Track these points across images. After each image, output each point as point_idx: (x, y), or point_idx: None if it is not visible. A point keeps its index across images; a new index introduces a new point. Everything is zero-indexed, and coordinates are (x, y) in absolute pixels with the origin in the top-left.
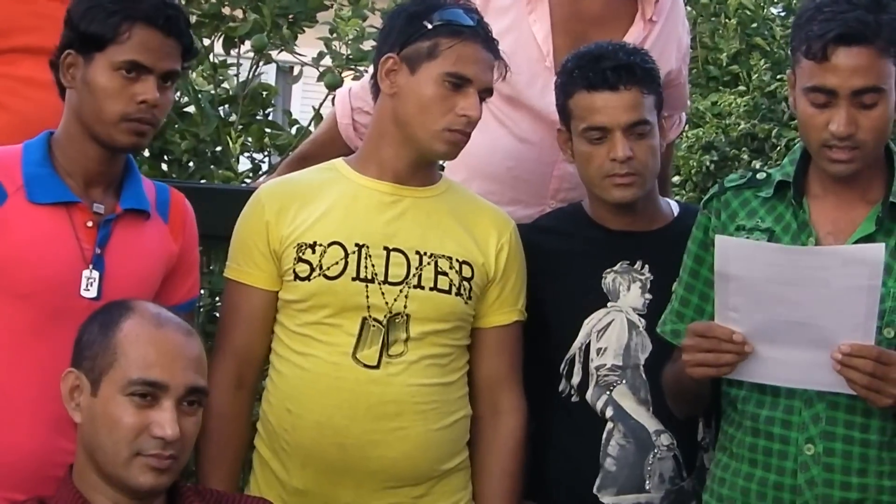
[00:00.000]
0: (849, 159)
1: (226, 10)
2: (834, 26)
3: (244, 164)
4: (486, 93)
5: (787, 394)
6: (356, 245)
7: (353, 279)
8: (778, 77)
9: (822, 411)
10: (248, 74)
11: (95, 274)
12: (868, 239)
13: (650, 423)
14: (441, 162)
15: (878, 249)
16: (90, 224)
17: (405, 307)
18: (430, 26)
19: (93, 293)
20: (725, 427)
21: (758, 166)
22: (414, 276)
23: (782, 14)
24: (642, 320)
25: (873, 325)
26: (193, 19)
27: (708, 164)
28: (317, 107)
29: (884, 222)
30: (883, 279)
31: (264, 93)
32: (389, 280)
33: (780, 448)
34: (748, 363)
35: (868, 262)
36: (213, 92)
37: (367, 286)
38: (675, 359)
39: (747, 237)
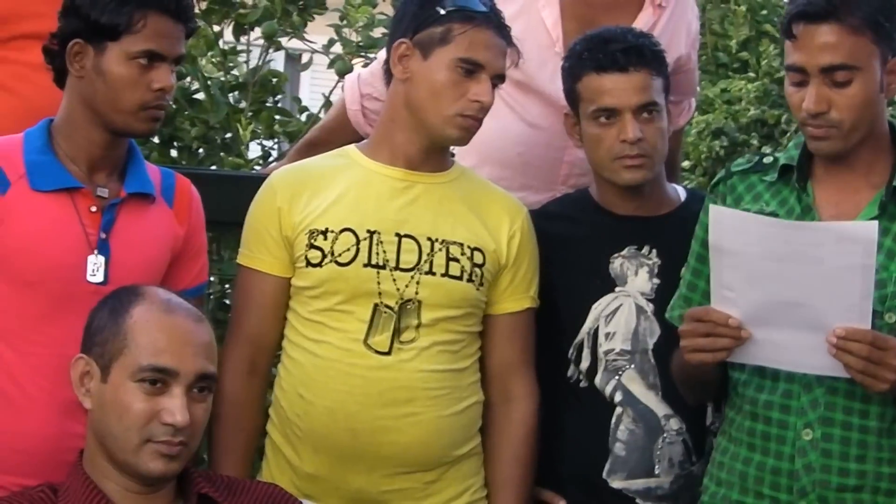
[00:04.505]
0: (825, 137)
1: None
2: (800, 4)
3: (254, 151)
4: (498, 79)
5: (786, 378)
6: (368, 231)
7: (365, 265)
8: None
9: (821, 396)
10: (258, 61)
11: (101, 259)
12: None
13: (659, 408)
14: (451, 148)
15: (871, 227)
16: (94, 209)
17: (416, 293)
18: (442, 12)
19: (99, 278)
20: (727, 410)
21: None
22: (425, 262)
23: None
24: (650, 305)
25: (869, 306)
26: (204, 5)
27: (717, 149)
28: (326, 94)
29: (888, 206)
30: (885, 263)
31: (274, 80)
32: (401, 266)
33: (778, 433)
34: (745, 346)
35: (861, 239)
36: (222, 79)
37: (378, 272)
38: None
39: None
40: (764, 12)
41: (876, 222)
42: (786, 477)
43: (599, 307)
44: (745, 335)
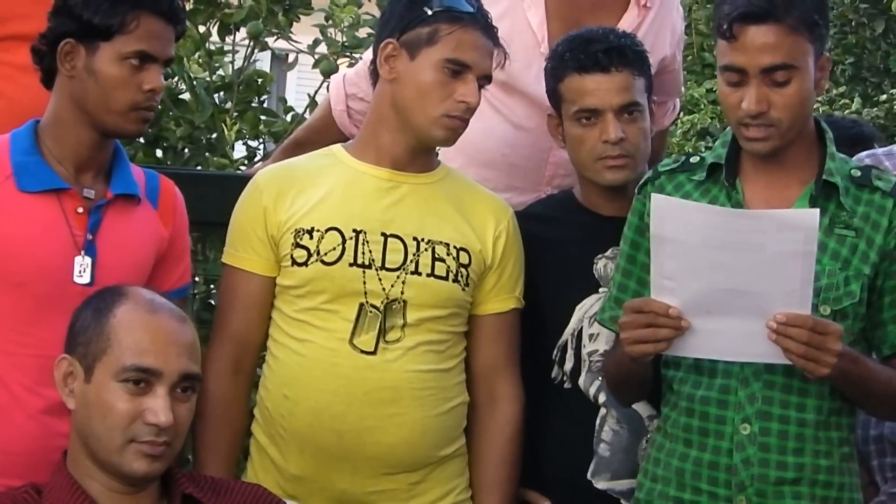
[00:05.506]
0: (764, 137)
1: None
2: (740, 5)
3: (239, 151)
4: (484, 80)
5: (723, 373)
6: (354, 231)
7: (351, 265)
8: None
9: (758, 391)
10: (244, 62)
11: (88, 260)
12: None
13: (643, 409)
14: (437, 149)
15: (813, 214)
16: (81, 210)
17: (402, 293)
18: (430, 12)
19: (86, 279)
20: (663, 408)
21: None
22: (411, 262)
23: None
24: None
25: (809, 292)
26: (189, 5)
27: (703, 150)
28: (312, 94)
29: (818, 200)
30: (818, 257)
31: (259, 80)
32: (386, 266)
33: (715, 428)
34: (685, 338)
35: (803, 226)
36: (208, 79)
37: (364, 272)
38: (614, 346)
39: None
40: None
41: (818, 210)
42: (724, 472)
43: (583, 308)
44: (685, 325)
